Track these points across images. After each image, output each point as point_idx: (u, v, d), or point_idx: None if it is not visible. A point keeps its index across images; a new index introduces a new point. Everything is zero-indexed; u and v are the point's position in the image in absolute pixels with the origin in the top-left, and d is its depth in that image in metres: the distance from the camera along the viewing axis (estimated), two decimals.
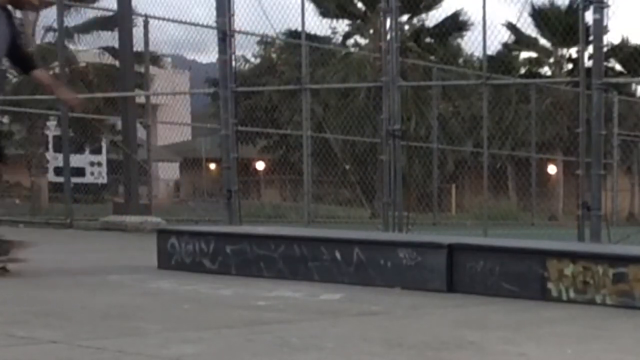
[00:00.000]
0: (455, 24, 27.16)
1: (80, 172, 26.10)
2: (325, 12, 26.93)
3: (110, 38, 19.48)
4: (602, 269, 4.72)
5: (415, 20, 27.84)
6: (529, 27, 28.12)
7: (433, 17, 27.91)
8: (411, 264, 5.26)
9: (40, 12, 21.71)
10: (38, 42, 22.04)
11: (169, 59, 23.48)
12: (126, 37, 13.94)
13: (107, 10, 19.11)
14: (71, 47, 20.75)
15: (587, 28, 9.64)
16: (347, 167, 21.64)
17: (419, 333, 3.75)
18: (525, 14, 28.26)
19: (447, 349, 3.36)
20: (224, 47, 10.88)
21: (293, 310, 4.38)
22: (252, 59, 28.66)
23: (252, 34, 17.76)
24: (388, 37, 10.99)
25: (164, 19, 15.79)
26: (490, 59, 16.46)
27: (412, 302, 4.76)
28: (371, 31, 26.52)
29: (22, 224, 13.93)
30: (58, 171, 20.25)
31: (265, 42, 27.06)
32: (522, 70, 29.17)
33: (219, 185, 16.77)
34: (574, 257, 4.87)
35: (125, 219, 12.72)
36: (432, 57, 25.47)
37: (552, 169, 27.68)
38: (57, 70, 18.41)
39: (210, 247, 6.07)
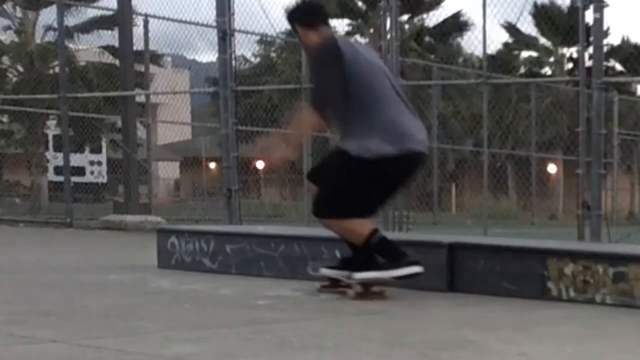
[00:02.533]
0: (456, 24, 27.17)
1: (80, 171, 26.09)
2: None
3: (111, 37, 19.50)
4: (602, 268, 4.72)
5: (415, 20, 27.85)
6: (529, 27, 28.14)
7: (433, 17, 27.95)
8: None
9: (40, 11, 21.76)
10: (38, 41, 22.05)
11: (169, 58, 23.50)
12: (126, 36, 13.94)
13: (107, 9, 19.13)
14: (71, 46, 20.75)
15: (587, 27, 9.63)
16: None
17: (419, 332, 3.75)
18: (526, 13, 28.29)
19: (447, 349, 3.36)
20: (223, 46, 10.87)
21: (293, 309, 4.38)
22: (252, 59, 28.66)
23: (252, 33, 17.74)
24: (388, 36, 10.99)
25: (164, 18, 15.79)
26: (491, 58, 16.44)
27: (412, 302, 4.76)
28: (371, 30, 26.52)
29: (22, 223, 13.95)
30: (58, 170, 20.26)
31: (265, 41, 27.06)
32: (522, 70, 29.17)
33: (219, 184, 16.77)
34: (574, 256, 4.87)
35: (125, 218, 12.72)
36: (432, 57, 25.46)
37: (552, 168, 27.67)
38: (57, 69, 18.45)
39: (210, 247, 6.06)
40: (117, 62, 16.43)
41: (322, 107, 4.86)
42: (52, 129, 22.94)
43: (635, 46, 28.63)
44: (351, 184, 4.85)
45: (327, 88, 4.84)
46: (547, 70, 29.96)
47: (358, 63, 4.86)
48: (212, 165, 31.01)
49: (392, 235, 5.99)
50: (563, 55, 29.56)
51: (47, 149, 23.59)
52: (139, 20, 15.19)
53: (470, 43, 36.44)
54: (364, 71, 4.87)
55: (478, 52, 20.49)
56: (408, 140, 4.85)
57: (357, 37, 28.17)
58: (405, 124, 4.90)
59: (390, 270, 4.78)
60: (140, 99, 16.20)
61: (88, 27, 21.36)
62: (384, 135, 4.80)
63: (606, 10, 8.84)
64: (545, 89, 24.58)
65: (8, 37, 22.49)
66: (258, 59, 28.98)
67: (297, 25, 5.07)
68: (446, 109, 24.53)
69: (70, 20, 19.71)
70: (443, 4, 27.35)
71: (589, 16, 9.11)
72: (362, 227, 4.84)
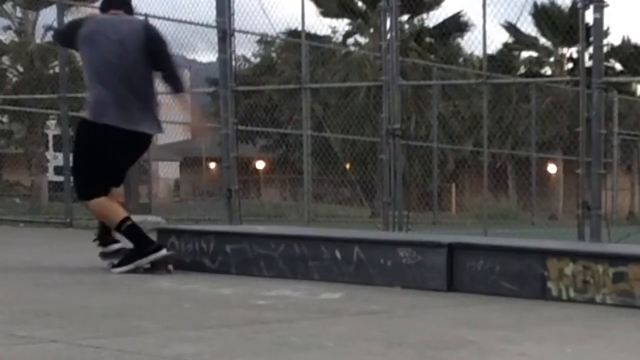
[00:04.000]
0: (456, 24, 27.17)
1: None
2: (325, 12, 26.93)
3: None
4: (602, 268, 4.72)
5: (415, 20, 27.85)
6: (529, 27, 28.15)
7: (433, 17, 27.95)
8: (411, 263, 5.26)
9: (40, 11, 21.75)
10: (38, 41, 22.05)
11: None
12: None
13: None
14: None
15: (587, 27, 9.63)
16: (347, 166, 21.61)
17: (419, 332, 3.75)
18: (526, 13, 28.30)
19: (447, 348, 3.36)
20: (223, 46, 10.87)
21: (293, 309, 4.38)
22: (252, 58, 28.66)
23: (252, 33, 17.73)
24: (388, 36, 10.98)
25: (163, 18, 15.77)
26: (491, 58, 16.45)
27: (412, 301, 4.76)
28: (371, 30, 26.52)
29: (22, 223, 13.93)
30: (58, 170, 20.26)
31: (265, 41, 27.06)
32: (523, 70, 29.17)
33: (219, 184, 16.75)
34: (574, 256, 4.87)
35: None
36: (432, 57, 25.47)
37: (552, 168, 27.67)
38: (57, 69, 18.44)
39: (210, 247, 6.06)
40: None
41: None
42: (52, 129, 22.94)
43: (635, 46, 28.64)
44: (76, 152, 5.93)
45: None
46: (547, 70, 29.96)
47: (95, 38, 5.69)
48: (212, 165, 31.01)
49: (392, 235, 5.99)
50: (563, 55, 29.56)
51: (47, 149, 23.60)
52: None
53: (470, 43, 36.43)
54: (100, 46, 5.68)
55: (478, 52, 20.53)
56: (107, 115, 5.68)
57: (357, 37, 28.20)
58: (111, 101, 5.69)
59: (139, 260, 5.78)
60: None
61: None
62: (95, 107, 5.75)
63: (606, 10, 8.83)
64: (545, 89, 24.56)
65: (8, 37, 22.50)
66: (258, 59, 28.99)
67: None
68: (446, 109, 24.52)
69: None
70: (443, 4, 27.37)
71: (589, 16, 9.10)
72: (115, 214, 5.81)
